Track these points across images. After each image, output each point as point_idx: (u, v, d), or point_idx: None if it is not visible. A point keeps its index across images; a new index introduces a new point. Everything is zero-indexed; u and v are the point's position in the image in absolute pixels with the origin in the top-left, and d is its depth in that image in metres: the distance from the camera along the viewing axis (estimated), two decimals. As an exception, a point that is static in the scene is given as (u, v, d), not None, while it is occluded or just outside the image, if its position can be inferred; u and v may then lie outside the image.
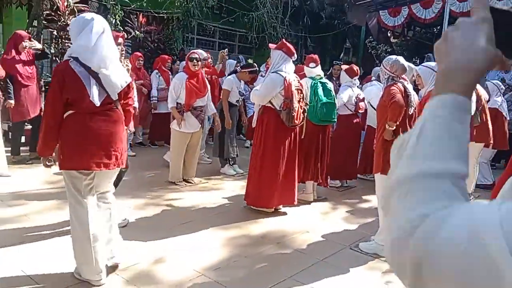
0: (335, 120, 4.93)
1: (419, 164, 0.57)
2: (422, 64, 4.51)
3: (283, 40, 4.52)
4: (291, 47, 4.35)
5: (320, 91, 4.65)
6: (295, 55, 4.39)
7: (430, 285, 0.52)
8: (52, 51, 7.85)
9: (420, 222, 0.53)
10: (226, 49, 7.42)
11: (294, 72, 4.70)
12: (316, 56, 4.92)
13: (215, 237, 3.70)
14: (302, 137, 4.61)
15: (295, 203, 4.49)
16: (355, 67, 5.63)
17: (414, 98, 3.66)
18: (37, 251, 3.13)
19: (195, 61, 5.05)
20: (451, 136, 0.58)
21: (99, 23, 2.63)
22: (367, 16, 13.87)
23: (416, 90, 4.37)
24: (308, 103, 4.61)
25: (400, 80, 3.57)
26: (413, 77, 4.40)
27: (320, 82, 4.73)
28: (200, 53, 5.64)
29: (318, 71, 4.86)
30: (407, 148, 0.60)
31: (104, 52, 2.60)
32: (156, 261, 3.14)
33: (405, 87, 3.52)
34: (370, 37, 14.01)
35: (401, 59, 3.67)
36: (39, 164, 5.59)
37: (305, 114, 4.49)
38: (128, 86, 2.83)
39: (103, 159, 2.64)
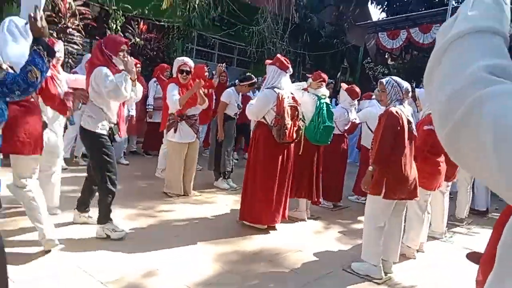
0: (329, 142, 4.91)
1: (476, 21, 0.65)
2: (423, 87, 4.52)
3: (278, 55, 4.51)
4: (285, 61, 4.31)
5: (325, 112, 4.63)
6: (290, 69, 4.36)
7: (465, 132, 0.58)
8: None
9: (489, 75, 0.59)
10: (224, 63, 7.41)
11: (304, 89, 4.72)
12: (325, 76, 4.92)
13: (207, 251, 3.63)
14: (300, 153, 4.58)
15: (286, 218, 4.45)
16: (357, 89, 5.62)
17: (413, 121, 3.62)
18: (21, 258, 3.04)
19: (185, 74, 5.02)
20: (501, 8, 0.67)
21: (2, 27, 2.97)
22: (366, 37, 14.08)
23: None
24: (304, 120, 4.57)
25: (404, 104, 3.54)
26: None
27: (325, 103, 4.73)
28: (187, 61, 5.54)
29: (324, 90, 4.85)
30: (459, 16, 0.68)
31: (15, 51, 2.88)
32: (146, 274, 3.06)
33: (404, 113, 3.47)
34: (368, 58, 14.18)
35: (406, 83, 3.63)
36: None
37: (300, 131, 4.43)
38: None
39: (25, 144, 2.97)
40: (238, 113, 6.05)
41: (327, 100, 4.88)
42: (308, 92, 4.85)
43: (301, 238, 4.29)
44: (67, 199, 4.25)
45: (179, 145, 5.09)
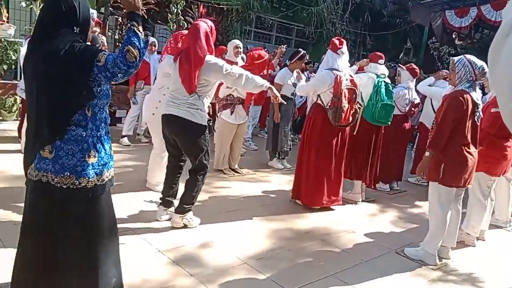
0: (390, 122, 4.79)
1: None
2: None
3: (333, 38, 4.45)
4: (337, 41, 4.26)
5: (383, 90, 4.55)
6: (342, 50, 4.26)
7: None
8: (116, 37, 8.22)
9: None
10: (286, 45, 7.35)
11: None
12: (382, 54, 4.84)
13: (260, 227, 3.73)
14: (355, 133, 4.52)
15: (339, 203, 4.42)
16: (416, 67, 5.48)
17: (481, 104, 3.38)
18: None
19: None
20: None
21: None
22: (431, 16, 13.31)
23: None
24: (361, 104, 4.50)
25: (476, 87, 3.32)
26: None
27: (384, 82, 4.63)
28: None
29: (384, 69, 4.75)
30: None
31: None
32: (201, 245, 3.22)
33: (472, 97, 3.23)
34: (433, 37, 13.42)
35: (485, 65, 3.28)
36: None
37: (356, 115, 4.33)
38: None
39: None
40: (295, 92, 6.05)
41: (387, 80, 4.76)
42: (364, 72, 4.77)
43: (354, 220, 4.27)
44: (130, 174, 4.53)
45: (232, 126, 5.28)
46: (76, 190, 1.83)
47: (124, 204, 3.75)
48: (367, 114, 4.55)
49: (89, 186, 1.86)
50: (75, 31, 1.87)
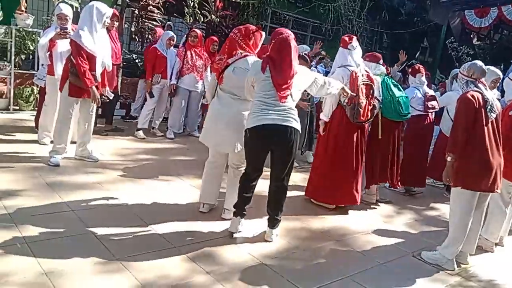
0: (409, 115, 4.71)
1: None
2: (508, 76, 4.23)
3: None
4: (346, 37, 4.23)
5: (392, 86, 4.49)
6: (353, 44, 4.18)
7: None
8: (133, 29, 8.21)
9: None
10: (321, 42, 7.18)
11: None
12: (379, 55, 4.81)
13: (275, 226, 3.68)
14: (380, 137, 4.49)
15: (358, 203, 4.36)
16: (417, 66, 5.42)
17: (495, 104, 3.28)
18: (108, 217, 3.30)
19: None
20: None
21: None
22: (450, 15, 13.11)
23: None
24: (380, 100, 4.44)
25: (478, 85, 3.28)
26: (497, 81, 4.08)
27: (388, 78, 4.63)
28: None
29: (383, 68, 4.70)
30: None
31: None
32: (217, 242, 3.18)
33: (482, 94, 3.21)
34: (451, 37, 13.21)
35: (478, 62, 3.36)
36: (112, 137, 5.90)
37: (375, 111, 4.30)
38: None
39: None
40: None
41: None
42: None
43: (370, 221, 4.21)
44: (144, 166, 4.52)
45: None
46: None
47: (138, 196, 3.75)
48: (389, 112, 4.50)
49: None
50: None
